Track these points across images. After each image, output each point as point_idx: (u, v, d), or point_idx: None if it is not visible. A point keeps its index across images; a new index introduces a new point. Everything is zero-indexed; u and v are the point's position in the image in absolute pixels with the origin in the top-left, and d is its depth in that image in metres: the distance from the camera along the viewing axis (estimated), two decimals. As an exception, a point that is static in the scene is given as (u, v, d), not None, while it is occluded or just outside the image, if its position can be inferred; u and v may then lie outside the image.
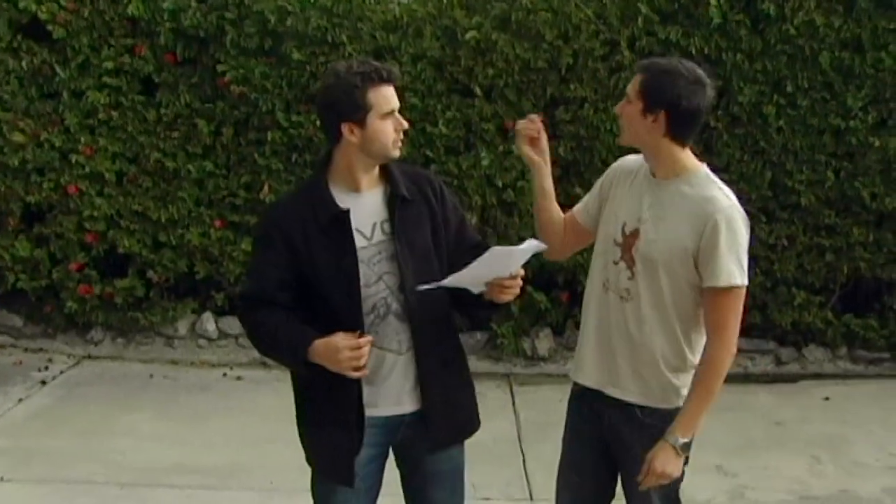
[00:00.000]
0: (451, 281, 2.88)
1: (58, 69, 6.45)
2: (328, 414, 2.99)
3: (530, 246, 2.89)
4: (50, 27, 6.40)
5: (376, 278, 2.93)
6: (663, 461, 2.97)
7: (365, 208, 2.95)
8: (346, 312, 2.88)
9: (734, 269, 2.97)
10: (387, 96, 2.89)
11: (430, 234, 3.01)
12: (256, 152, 6.45)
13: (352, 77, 2.86)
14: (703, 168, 3.08)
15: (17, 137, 6.45)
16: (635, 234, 3.04)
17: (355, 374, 2.83)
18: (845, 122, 6.23)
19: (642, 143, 3.05)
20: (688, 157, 3.07)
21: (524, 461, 4.94)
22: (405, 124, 2.95)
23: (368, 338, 2.84)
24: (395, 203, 2.96)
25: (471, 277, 2.89)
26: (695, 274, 2.99)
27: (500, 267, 2.91)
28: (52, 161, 6.51)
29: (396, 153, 2.96)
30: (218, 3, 6.35)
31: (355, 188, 2.95)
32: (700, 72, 3.01)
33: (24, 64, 6.45)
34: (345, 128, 2.88)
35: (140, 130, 6.50)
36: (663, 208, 3.02)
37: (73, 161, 6.48)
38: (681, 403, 3.05)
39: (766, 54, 6.18)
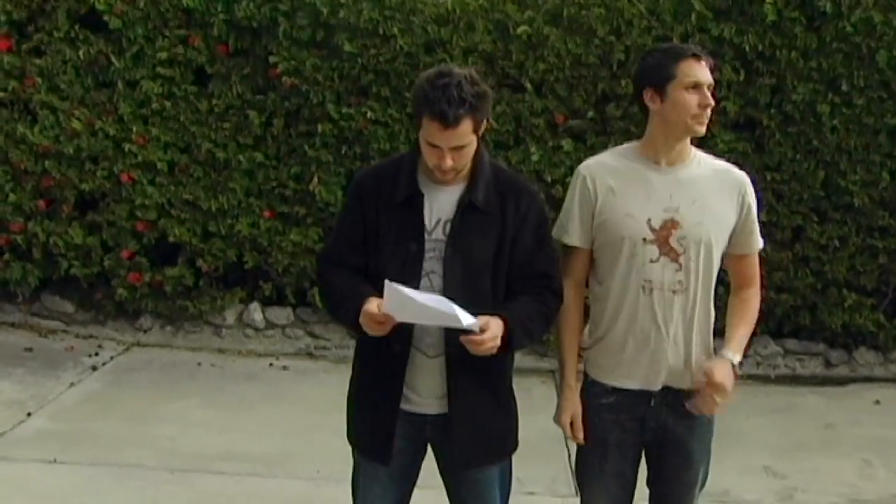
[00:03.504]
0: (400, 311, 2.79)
1: (113, 59, 6.53)
2: (373, 393, 3.01)
3: (464, 321, 2.76)
4: (106, 18, 6.48)
5: (422, 275, 2.91)
6: (723, 373, 3.00)
7: (438, 202, 2.92)
8: None
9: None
10: (431, 131, 2.80)
11: (494, 248, 2.93)
12: (307, 144, 6.49)
13: (422, 91, 2.81)
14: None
15: (73, 126, 6.55)
16: (671, 224, 2.99)
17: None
18: (902, 123, 6.14)
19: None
20: None
21: (569, 457, 4.92)
22: (449, 163, 2.82)
23: (387, 323, 2.81)
24: (462, 207, 2.91)
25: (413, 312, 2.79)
26: (727, 244, 3.07)
27: (440, 317, 2.79)
28: (105, 150, 6.59)
29: (441, 178, 2.90)
30: (271, -5, 6.40)
31: (435, 179, 2.93)
32: None
33: (80, 54, 6.53)
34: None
35: (192, 121, 6.56)
36: (691, 191, 3.01)
37: (127, 150, 6.56)
38: None
39: (821, 52, 6.10)
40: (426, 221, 2.91)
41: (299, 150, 6.53)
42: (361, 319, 2.83)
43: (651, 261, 3.00)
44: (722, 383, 2.98)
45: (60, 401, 5.69)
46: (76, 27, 6.56)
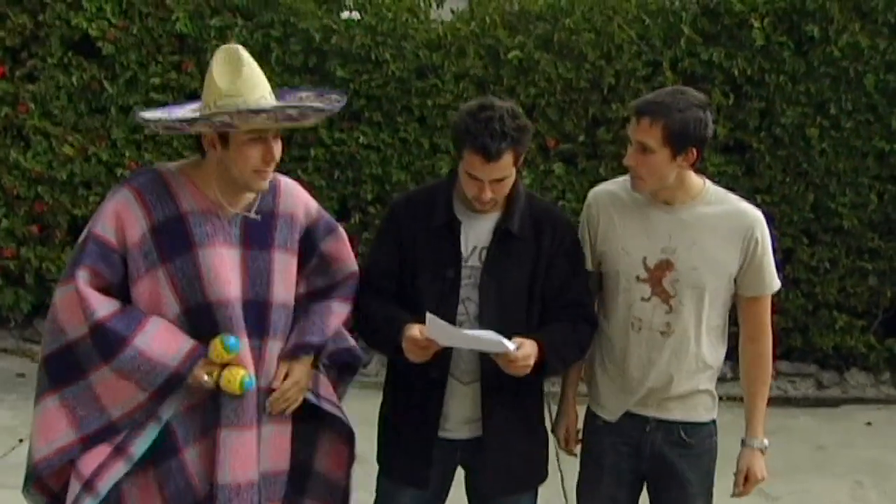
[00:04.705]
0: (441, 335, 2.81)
1: (106, 85, 6.57)
2: (409, 419, 3.02)
3: (498, 344, 2.79)
4: (100, 44, 6.52)
5: (459, 301, 2.93)
6: (760, 467, 3.10)
7: (474, 230, 2.95)
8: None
9: (775, 274, 3.04)
10: (473, 164, 2.82)
11: (529, 275, 2.95)
12: (299, 168, 6.51)
13: (464, 124, 2.83)
14: (706, 181, 3.04)
15: (66, 151, 6.56)
16: (665, 265, 2.95)
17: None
18: (889, 145, 6.19)
19: (665, 185, 2.94)
20: (694, 175, 3.02)
21: (562, 479, 4.90)
22: (489, 195, 2.85)
23: (431, 348, 2.83)
24: (498, 235, 2.93)
25: (456, 339, 2.83)
26: (732, 288, 3.00)
27: (482, 343, 2.82)
28: (98, 175, 6.62)
29: (479, 207, 2.92)
30: (264, 21, 6.45)
31: (471, 207, 2.95)
32: (696, 93, 2.97)
33: (74, 80, 6.56)
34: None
35: (185, 146, 6.57)
36: (692, 233, 2.95)
37: (119, 175, 6.55)
38: (715, 412, 3.12)
39: (809, 76, 6.16)
40: (462, 249, 2.93)
41: (292, 175, 6.39)
42: (404, 345, 2.83)
43: (642, 299, 2.98)
44: (762, 476, 3.12)
45: (53, 426, 5.67)
46: (69, 53, 6.60)
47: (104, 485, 2.71)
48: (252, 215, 2.82)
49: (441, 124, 6.35)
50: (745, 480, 3.11)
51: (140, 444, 2.74)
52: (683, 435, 3.06)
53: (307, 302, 2.94)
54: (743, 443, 3.14)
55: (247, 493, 2.76)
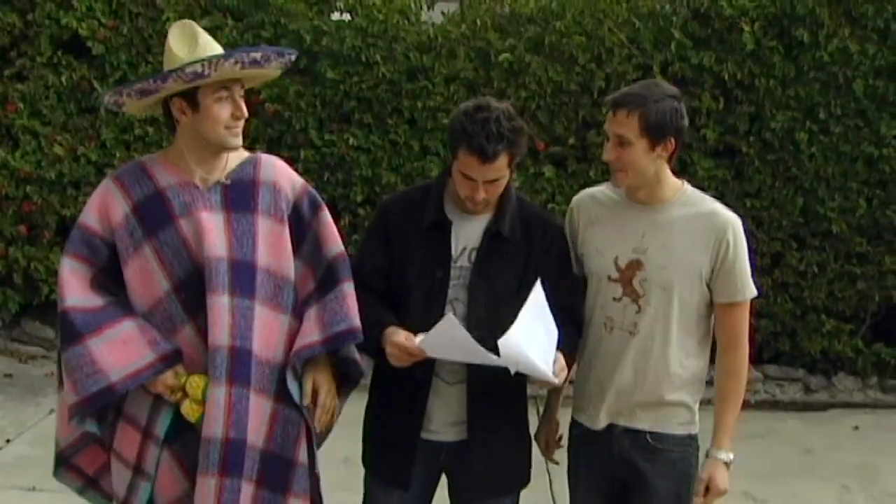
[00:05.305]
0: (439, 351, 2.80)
1: (96, 85, 6.55)
2: (393, 419, 3.02)
3: (541, 372, 2.77)
4: (90, 44, 6.51)
5: (446, 301, 2.93)
6: (722, 478, 2.99)
7: (464, 230, 2.95)
8: (421, 320, 2.85)
9: (749, 281, 2.99)
10: (468, 164, 2.82)
11: (519, 277, 2.94)
12: (289, 170, 6.50)
13: (460, 124, 2.82)
14: (685, 183, 3.03)
15: (56, 151, 6.55)
16: (635, 265, 2.95)
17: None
18: (878, 150, 6.20)
19: (646, 178, 2.93)
20: (672, 176, 3.01)
21: (550, 483, 4.93)
22: (482, 195, 2.86)
23: (418, 356, 2.82)
24: (488, 236, 2.94)
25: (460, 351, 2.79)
26: (705, 292, 2.97)
27: (483, 358, 2.77)
28: (87, 175, 6.60)
29: (471, 208, 2.92)
30: (254, 22, 6.44)
31: (462, 208, 2.96)
32: (669, 85, 2.99)
33: (63, 79, 6.56)
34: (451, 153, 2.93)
35: (174, 146, 6.57)
36: (663, 234, 2.94)
37: (109, 175, 6.56)
38: (693, 428, 3.06)
39: (799, 81, 6.17)
40: (452, 249, 2.94)
41: (282, 176, 6.53)
42: (389, 350, 2.84)
43: (614, 299, 2.98)
44: (724, 489, 3.00)
45: (40, 427, 5.65)
46: (59, 53, 6.59)
47: (149, 466, 2.88)
48: (223, 179, 2.89)
49: (431, 126, 6.35)
50: (706, 490, 3.01)
51: (161, 426, 2.88)
52: (650, 440, 3.02)
53: (318, 295, 2.96)
54: (707, 453, 3.05)
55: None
